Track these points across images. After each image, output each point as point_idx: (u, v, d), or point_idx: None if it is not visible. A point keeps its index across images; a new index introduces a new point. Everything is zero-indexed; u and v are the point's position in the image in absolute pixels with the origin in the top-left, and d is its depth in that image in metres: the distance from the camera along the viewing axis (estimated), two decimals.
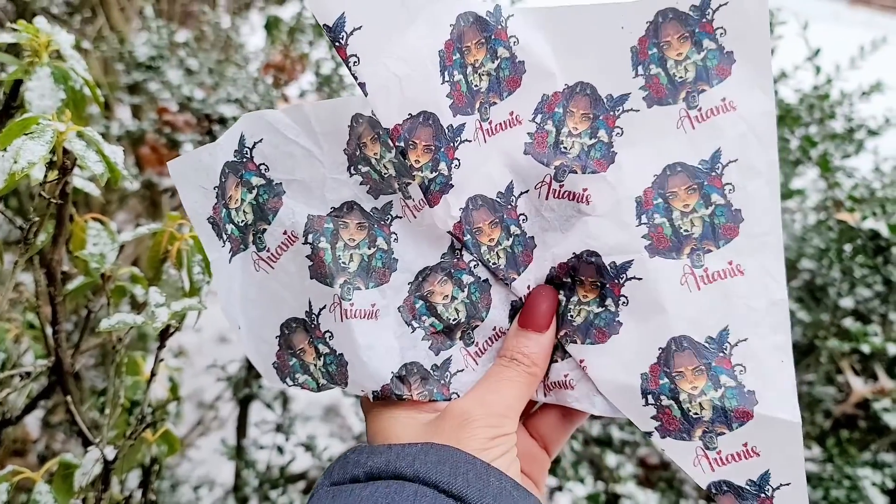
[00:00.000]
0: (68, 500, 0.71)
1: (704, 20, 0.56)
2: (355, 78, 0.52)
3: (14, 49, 0.73)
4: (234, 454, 1.42)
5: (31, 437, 1.53)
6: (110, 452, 0.70)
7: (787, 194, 1.52)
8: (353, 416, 2.04)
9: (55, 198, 0.64)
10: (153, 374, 0.72)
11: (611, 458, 1.19)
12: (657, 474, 1.36)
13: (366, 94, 0.52)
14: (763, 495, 0.54)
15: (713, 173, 0.56)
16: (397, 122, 0.53)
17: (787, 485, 0.53)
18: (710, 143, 0.56)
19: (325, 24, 0.52)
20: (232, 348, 2.39)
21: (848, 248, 1.29)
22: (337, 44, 0.52)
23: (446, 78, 0.55)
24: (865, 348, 1.18)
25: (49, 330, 0.75)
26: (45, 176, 0.63)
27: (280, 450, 1.39)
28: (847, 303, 1.33)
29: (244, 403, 1.51)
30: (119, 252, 0.78)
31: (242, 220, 0.59)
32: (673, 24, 0.56)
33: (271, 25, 1.87)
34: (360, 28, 0.52)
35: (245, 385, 1.45)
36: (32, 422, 1.59)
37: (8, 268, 0.71)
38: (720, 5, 0.55)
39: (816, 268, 1.41)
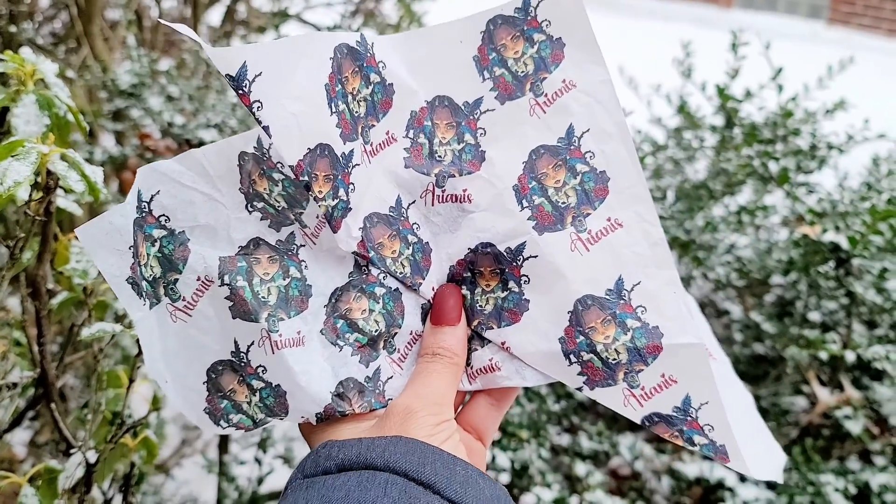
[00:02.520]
0: (52, 503, 0.74)
1: (529, 17, 0.62)
2: (259, 122, 0.54)
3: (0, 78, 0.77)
4: (212, 468, 1.45)
5: (17, 458, 1.55)
6: (92, 456, 0.73)
7: (753, 210, 1.57)
8: None
9: (39, 215, 0.68)
10: (131, 380, 0.75)
11: (580, 467, 1.23)
12: (628, 484, 1.38)
13: (269, 137, 0.54)
14: (689, 418, 0.59)
15: (572, 147, 0.63)
16: (299, 157, 0.56)
17: (706, 403, 0.59)
18: (561, 121, 0.63)
19: (227, 75, 0.53)
20: None
21: (816, 261, 1.33)
22: (240, 92, 0.53)
23: (333, 109, 0.58)
24: (823, 355, 1.22)
25: (35, 346, 0.79)
26: (30, 195, 0.67)
27: (258, 462, 1.42)
28: (815, 316, 1.38)
29: None
30: None
31: (150, 275, 0.59)
32: (503, 28, 0.63)
33: None
34: (260, 74, 0.54)
35: None
36: (19, 443, 1.61)
37: None
38: (539, 2, 0.62)
39: (786, 282, 1.45)
